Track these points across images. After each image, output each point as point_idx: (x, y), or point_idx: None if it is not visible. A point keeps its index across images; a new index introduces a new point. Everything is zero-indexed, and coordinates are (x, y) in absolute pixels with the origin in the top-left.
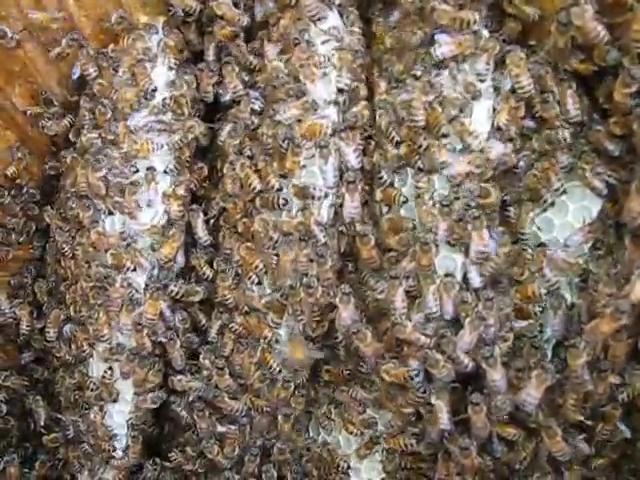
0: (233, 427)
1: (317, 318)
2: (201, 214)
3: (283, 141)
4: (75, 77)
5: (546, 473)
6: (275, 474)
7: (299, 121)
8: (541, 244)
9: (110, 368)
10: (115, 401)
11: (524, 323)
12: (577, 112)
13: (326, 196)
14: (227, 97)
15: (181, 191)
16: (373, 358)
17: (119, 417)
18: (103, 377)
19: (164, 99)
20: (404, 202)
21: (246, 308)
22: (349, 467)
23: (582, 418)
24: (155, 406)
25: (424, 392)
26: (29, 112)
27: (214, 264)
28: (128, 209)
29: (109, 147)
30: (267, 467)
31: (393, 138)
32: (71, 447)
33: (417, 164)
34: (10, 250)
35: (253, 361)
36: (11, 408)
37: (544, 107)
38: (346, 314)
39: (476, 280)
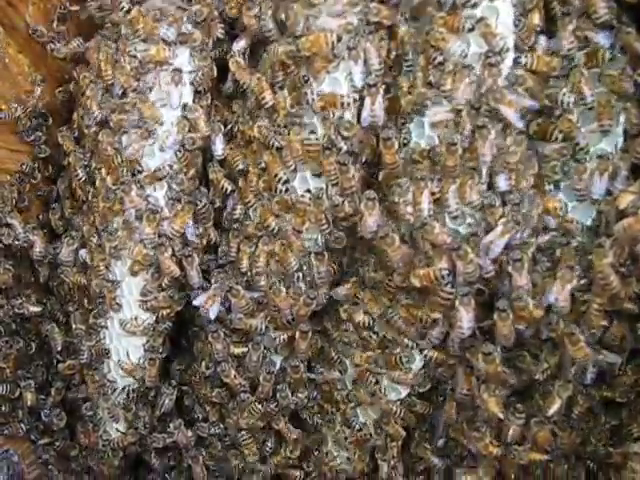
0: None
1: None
2: (222, 126)
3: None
4: None
5: (567, 382)
6: (290, 394)
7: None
8: None
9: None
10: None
11: (548, 236)
12: (605, 11)
13: (349, 104)
14: None
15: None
16: (401, 263)
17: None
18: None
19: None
20: None
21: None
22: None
23: (606, 323)
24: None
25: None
26: None
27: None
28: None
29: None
30: (282, 386)
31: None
32: (86, 372)
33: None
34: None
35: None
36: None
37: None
38: (371, 220)
39: (502, 183)
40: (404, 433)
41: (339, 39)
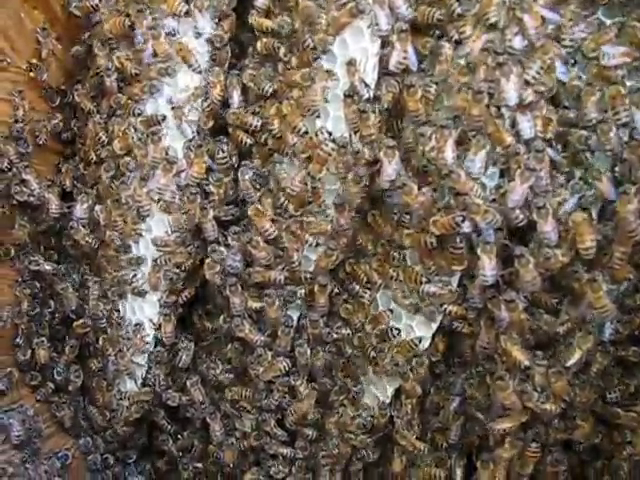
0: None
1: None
2: (240, 80)
3: None
4: None
5: (588, 333)
6: (308, 351)
7: None
8: None
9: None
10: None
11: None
12: None
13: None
14: None
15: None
16: (421, 212)
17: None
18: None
19: None
20: None
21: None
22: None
23: (631, 276)
24: None
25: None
26: None
27: None
28: None
29: None
30: (300, 342)
31: None
32: (100, 333)
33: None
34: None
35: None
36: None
37: None
38: (391, 168)
39: (526, 131)
40: (420, 391)
41: None
